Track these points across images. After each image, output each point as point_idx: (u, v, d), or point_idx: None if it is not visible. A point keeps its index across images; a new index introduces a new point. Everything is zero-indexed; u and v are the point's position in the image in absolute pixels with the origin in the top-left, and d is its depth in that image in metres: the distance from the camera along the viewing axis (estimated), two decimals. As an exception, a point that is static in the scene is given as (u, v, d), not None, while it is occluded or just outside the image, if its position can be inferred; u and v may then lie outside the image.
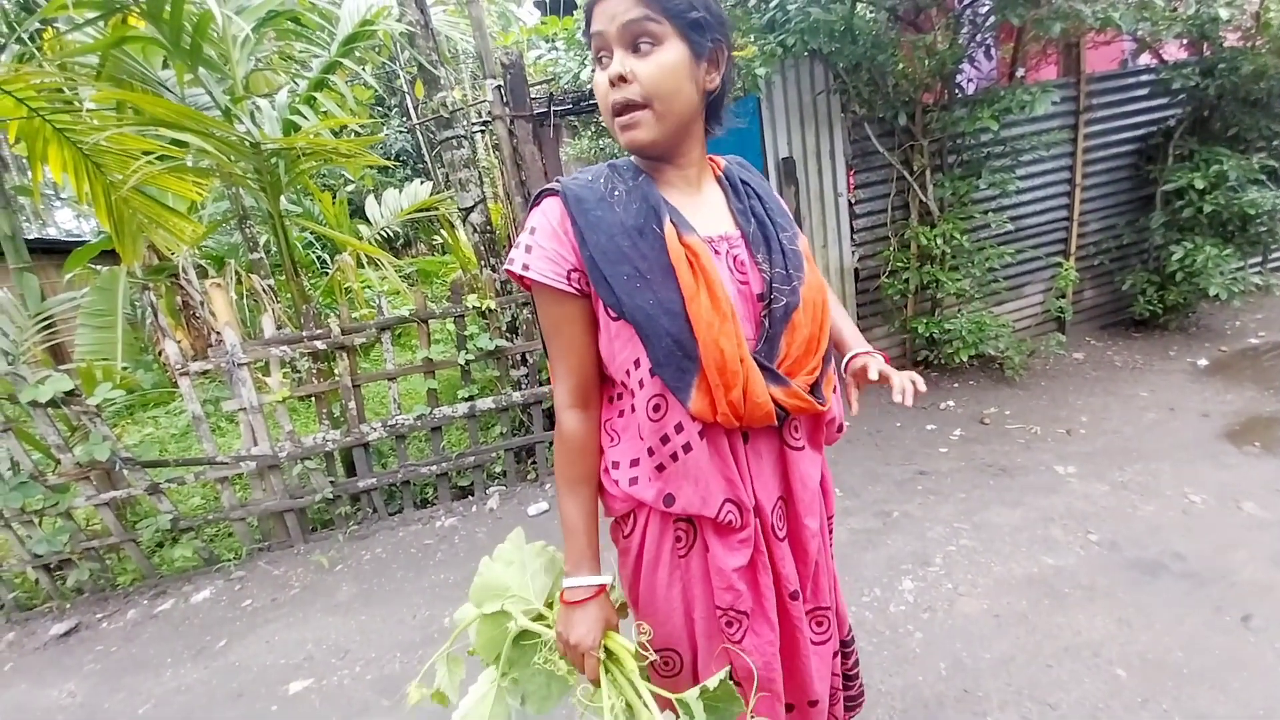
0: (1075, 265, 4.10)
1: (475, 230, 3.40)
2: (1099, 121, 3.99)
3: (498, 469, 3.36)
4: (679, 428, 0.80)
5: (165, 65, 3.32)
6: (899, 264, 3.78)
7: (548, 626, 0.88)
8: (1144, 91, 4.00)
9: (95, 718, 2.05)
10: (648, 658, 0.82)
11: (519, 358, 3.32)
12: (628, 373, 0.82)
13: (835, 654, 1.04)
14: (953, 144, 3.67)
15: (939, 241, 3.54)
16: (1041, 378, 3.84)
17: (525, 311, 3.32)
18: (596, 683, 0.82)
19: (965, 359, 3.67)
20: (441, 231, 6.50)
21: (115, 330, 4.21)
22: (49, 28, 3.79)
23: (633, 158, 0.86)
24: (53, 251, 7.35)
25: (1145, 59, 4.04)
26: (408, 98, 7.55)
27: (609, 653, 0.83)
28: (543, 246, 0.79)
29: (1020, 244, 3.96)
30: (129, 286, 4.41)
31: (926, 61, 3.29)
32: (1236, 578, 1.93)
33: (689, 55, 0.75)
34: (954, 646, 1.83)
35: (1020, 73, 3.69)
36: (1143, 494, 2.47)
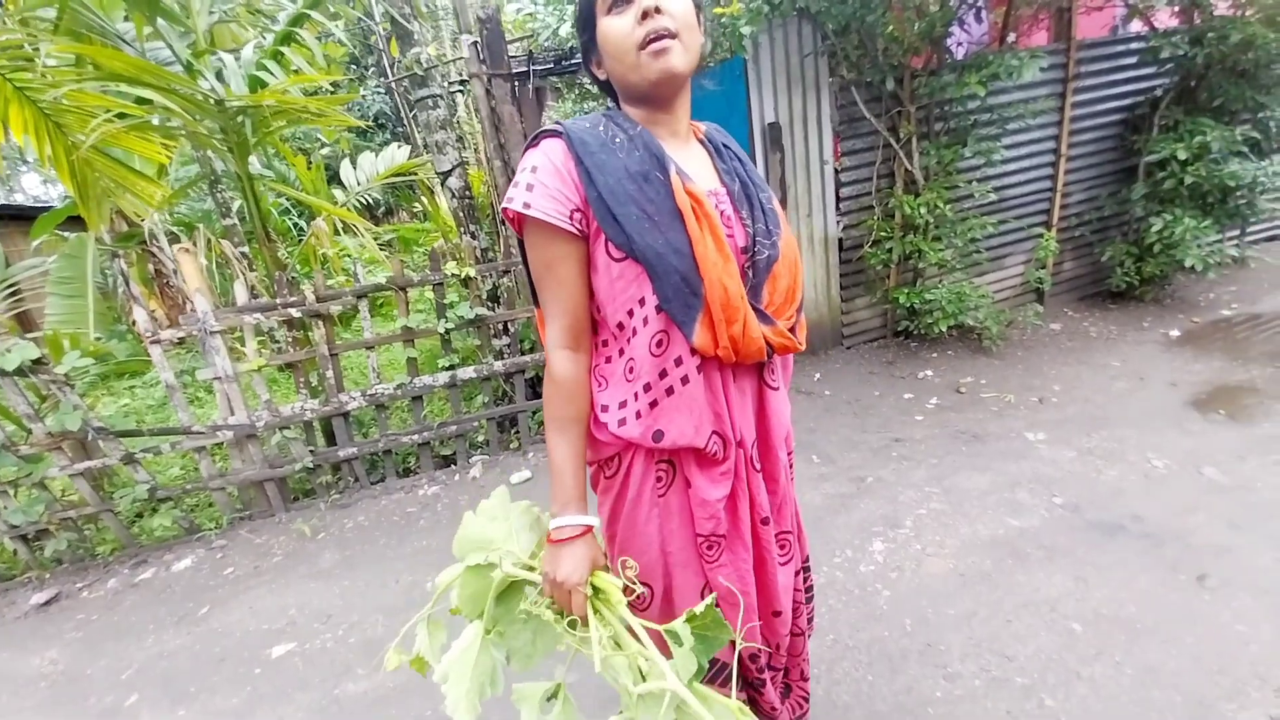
0: (1056, 236, 4.12)
1: (454, 195, 3.32)
2: (1087, 90, 3.95)
3: (480, 438, 3.37)
4: (678, 361, 0.86)
5: (126, 19, 3.15)
6: (883, 233, 3.77)
7: (533, 575, 0.89)
8: (1133, 60, 3.95)
9: (78, 684, 2.07)
10: (635, 591, 0.86)
11: (501, 326, 3.29)
12: (630, 312, 0.86)
13: (797, 573, 1.13)
14: (940, 111, 3.63)
15: (922, 211, 3.52)
16: (1018, 348, 3.89)
17: (506, 280, 3.28)
18: (584, 618, 0.84)
19: (945, 329, 3.71)
20: (422, 198, 6.35)
21: (86, 298, 4.10)
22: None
23: (626, 110, 0.90)
24: (20, 218, 7.09)
25: (1136, 26, 3.99)
26: (384, 56, 7.27)
27: (595, 590, 0.86)
28: (545, 185, 0.82)
29: (1003, 214, 3.96)
30: (99, 254, 4.28)
31: (916, 24, 3.21)
32: (1194, 539, 2.01)
33: (695, 6, 0.84)
34: (920, 604, 1.90)
35: (1012, 38, 3.63)
36: (1107, 459, 2.54)
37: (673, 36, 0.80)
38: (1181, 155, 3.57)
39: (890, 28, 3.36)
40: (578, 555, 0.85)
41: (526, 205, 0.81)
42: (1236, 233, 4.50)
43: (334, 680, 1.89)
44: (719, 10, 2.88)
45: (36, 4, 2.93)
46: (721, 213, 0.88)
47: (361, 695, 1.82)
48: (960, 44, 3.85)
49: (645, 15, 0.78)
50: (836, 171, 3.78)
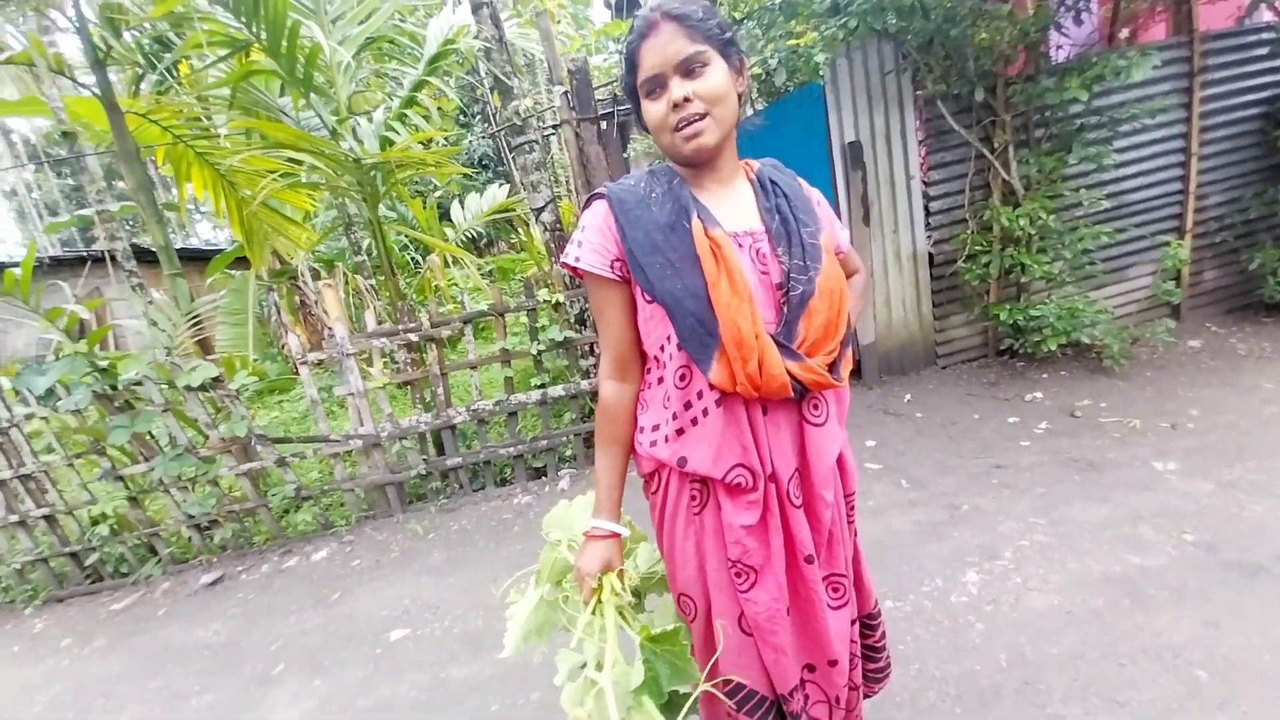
0: (1192, 243, 3.70)
1: (546, 229, 3.62)
2: (1217, 84, 3.56)
3: (568, 452, 3.58)
4: (699, 395, 0.93)
5: (282, 92, 3.79)
6: (978, 247, 3.59)
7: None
8: (1264, 51, 3.52)
9: (235, 653, 2.45)
10: (624, 598, 0.95)
11: (587, 348, 3.50)
12: (661, 347, 0.95)
13: (854, 622, 1.10)
14: (1040, 117, 3.43)
15: (1023, 223, 3.33)
16: (1147, 368, 3.52)
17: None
18: (585, 603, 0.95)
19: (1055, 348, 3.44)
20: (519, 230, 6.87)
21: (247, 326, 4.87)
22: (184, 61, 4.40)
23: (670, 164, 0.98)
24: (195, 259, 8.52)
25: (1265, 15, 3.55)
26: (488, 105, 8.00)
27: (601, 586, 0.97)
28: (591, 241, 0.94)
29: (1123, 221, 3.63)
30: (257, 288, 5.09)
31: (1008, 31, 3.09)
32: (1353, 586, 1.75)
33: (727, 69, 0.89)
34: (1017, 640, 1.79)
35: (1124, 34, 3.37)
36: (1253, 493, 2.25)
37: (703, 118, 0.87)
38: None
39: (981, 36, 3.25)
40: (596, 553, 0.96)
41: (577, 259, 0.95)
42: None
43: (441, 665, 2.11)
44: (792, 41, 2.96)
45: (215, 85, 3.62)
46: (757, 251, 0.93)
47: (465, 680, 2.02)
48: (1060, 46, 3.62)
49: (676, 105, 0.86)
50: (925, 185, 3.67)
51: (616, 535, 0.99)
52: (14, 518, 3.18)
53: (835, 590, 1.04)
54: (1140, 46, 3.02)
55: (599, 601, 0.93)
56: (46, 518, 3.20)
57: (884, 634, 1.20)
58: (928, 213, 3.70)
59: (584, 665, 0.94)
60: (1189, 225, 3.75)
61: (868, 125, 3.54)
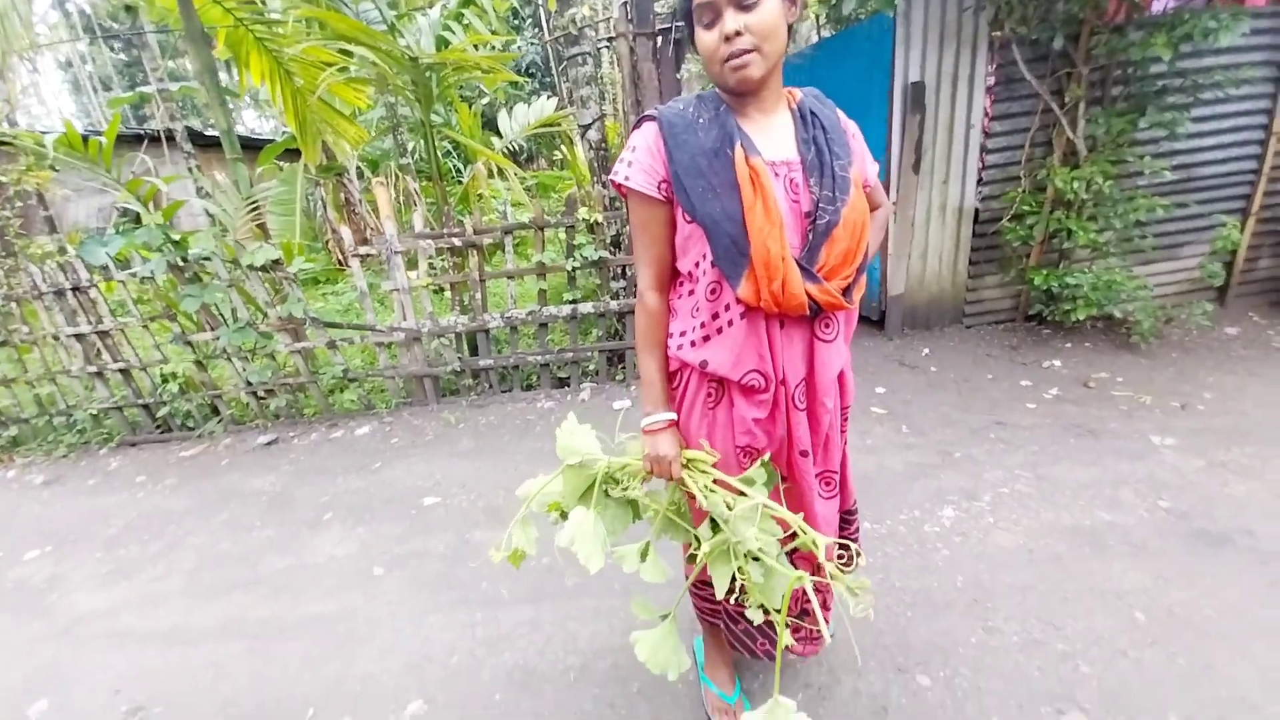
0: (1255, 226, 3.55)
1: (591, 146, 3.65)
2: (1317, 57, 3.27)
3: (591, 367, 3.79)
4: (727, 307, 1.03)
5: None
6: (1026, 207, 3.51)
7: (614, 478, 1.14)
8: None
9: (289, 502, 2.83)
10: (716, 456, 1.11)
11: (619, 270, 3.62)
12: (696, 264, 1.05)
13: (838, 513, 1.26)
14: (1120, 74, 3.23)
15: (1076, 186, 3.23)
16: (1175, 349, 3.50)
17: (629, 227, 3.58)
18: (682, 482, 1.08)
19: (1084, 318, 3.42)
20: (561, 146, 6.79)
21: (294, 217, 5.08)
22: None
23: (717, 91, 1.03)
24: (243, 146, 8.65)
25: None
26: (541, 9, 7.67)
27: (687, 461, 1.11)
28: (640, 161, 1.01)
29: (1185, 196, 3.48)
30: (305, 182, 5.25)
31: (1102, -26, 2.88)
32: (1311, 564, 1.86)
33: (781, 1, 0.92)
34: (977, 568, 1.98)
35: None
36: (1241, 475, 2.33)
37: (751, 52, 0.91)
38: None
39: (1074, -24, 3.03)
40: (670, 438, 1.10)
41: (626, 178, 1.02)
42: None
43: (466, 528, 2.44)
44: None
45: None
46: (791, 180, 0.99)
47: (485, 542, 2.33)
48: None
49: (727, 38, 0.90)
50: (985, 135, 3.53)
51: (675, 422, 1.13)
52: (92, 369, 3.57)
53: (827, 484, 1.19)
54: (1231, 8, 2.79)
55: (699, 470, 1.09)
56: (123, 371, 3.59)
57: (858, 528, 1.40)
58: (983, 165, 3.59)
59: (645, 550, 1.13)
60: (1255, 208, 3.58)
61: (935, 66, 3.39)
